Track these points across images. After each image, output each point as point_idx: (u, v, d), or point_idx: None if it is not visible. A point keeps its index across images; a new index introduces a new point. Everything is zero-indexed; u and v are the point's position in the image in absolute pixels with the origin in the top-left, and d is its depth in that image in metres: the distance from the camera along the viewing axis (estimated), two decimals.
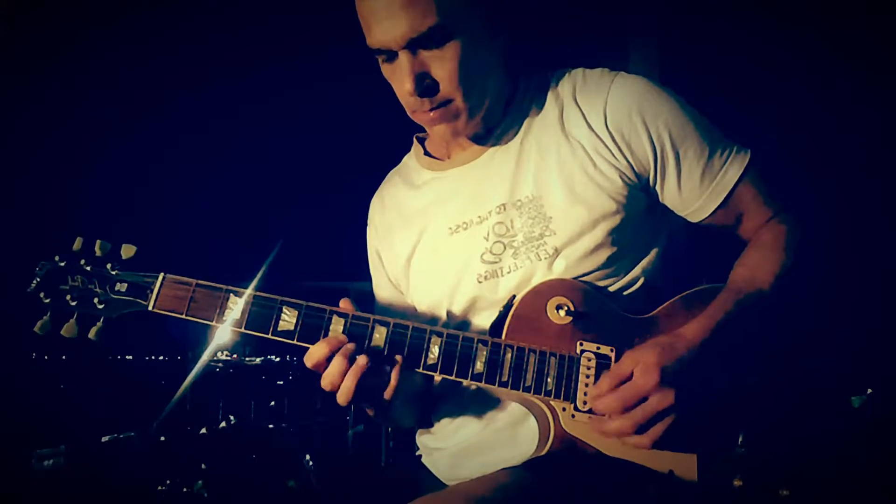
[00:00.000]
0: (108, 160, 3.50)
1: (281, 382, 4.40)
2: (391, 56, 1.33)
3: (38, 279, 1.34)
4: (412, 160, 1.65)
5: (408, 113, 1.43)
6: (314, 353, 1.27)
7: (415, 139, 1.66)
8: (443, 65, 1.32)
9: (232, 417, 3.92)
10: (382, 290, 1.68)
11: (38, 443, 3.15)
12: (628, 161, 1.38)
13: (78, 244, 1.35)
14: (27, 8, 2.90)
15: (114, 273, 1.34)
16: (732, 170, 1.39)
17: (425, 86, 1.33)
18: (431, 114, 1.38)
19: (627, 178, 1.39)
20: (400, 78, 1.34)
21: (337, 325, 1.31)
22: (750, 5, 2.72)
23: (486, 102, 1.42)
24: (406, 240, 1.57)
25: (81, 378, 3.63)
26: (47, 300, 1.33)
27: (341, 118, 4.02)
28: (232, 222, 4.30)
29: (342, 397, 1.27)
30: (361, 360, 1.26)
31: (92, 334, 1.33)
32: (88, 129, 3.35)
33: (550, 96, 1.47)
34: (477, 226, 1.46)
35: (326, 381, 1.27)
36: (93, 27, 3.04)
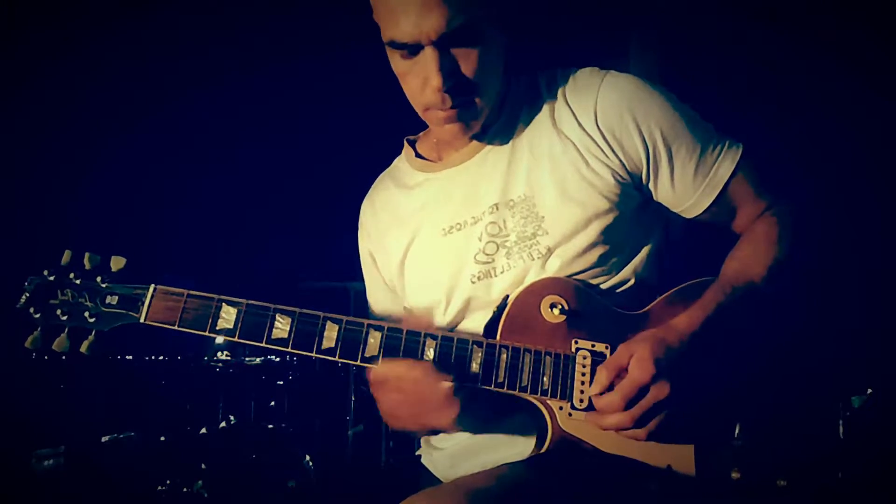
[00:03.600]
0: (97, 169, 3.50)
1: (281, 382, 4.40)
2: (414, 50, 1.31)
3: (28, 294, 1.33)
4: (403, 163, 1.64)
5: (418, 110, 1.41)
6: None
7: (405, 142, 1.64)
8: (469, 63, 1.31)
9: (232, 417, 3.92)
10: (377, 291, 1.68)
11: (38, 443, 3.14)
12: (620, 160, 1.38)
13: (66, 257, 1.35)
14: (27, 8, 2.90)
15: (104, 286, 1.33)
16: (725, 165, 1.38)
17: (452, 83, 1.31)
18: (449, 112, 1.36)
19: (620, 177, 1.38)
20: (423, 73, 1.32)
21: (331, 332, 1.30)
22: (749, 5, 2.72)
23: (492, 103, 1.42)
24: (399, 241, 1.56)
25: (81, 378, 3.62)
26: (37, 315, 1.32)
27: (340, 118, 4.02)
28: (230, 223, 4.30)
29: None
30: None
31: (84, 348, 1.33)
32: (75, 140, 3.35)
33: (541, 96, 1.46)
34: (471, 226, 1.45)
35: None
36: (82, 31, 3.04)
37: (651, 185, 1.42)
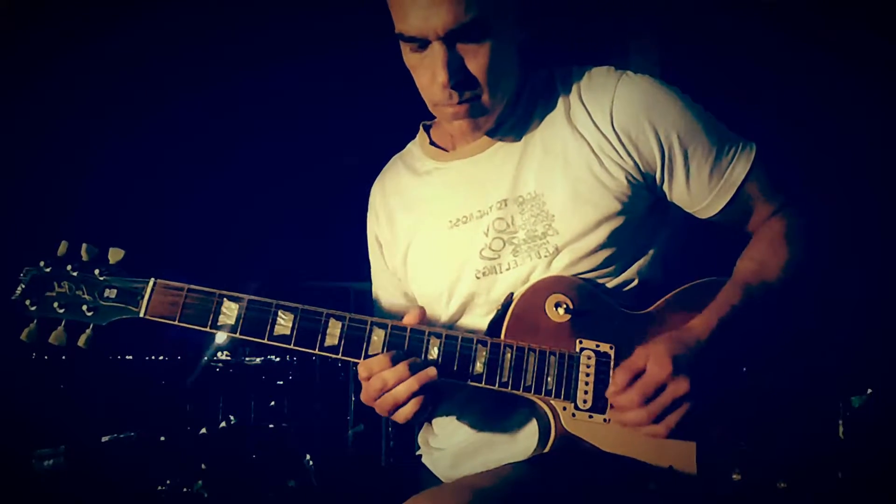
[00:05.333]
0: (97, 167, 3.49)
1: (281, 382, 4.40)
2: (423, 44, 1.30)
3: (24, 286, 1.30)
4: (416, 147, 1.63)
5: (428, 105, 1.41)
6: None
7: (421, 127, 1.64)
8: (477, 59, 1.31)
9: (232, 417, 3.93)
10: (380, 276, 1.67)
11: (38, 443, 3.14)
12: (635, 161, 1.38)
13: (63, 248, 1.32)
14: (27, 8, 2.90)
15: (102, 278, 1.30)
16: (739, 166, 1.39)
17: (459, 79, 1.31)
18: (457, 108, 1.35)
19: (633, 178, 1.38)
20: (431, 68, 1.31)
21: (334, 329, 1.29)
22: (749, 5, 2.72)
23: (505, 100, 1.41)
24: (405, 228, 1.56)
25: (81, 378, 3.63)
26: (33, 308, 1.29)
27: (341, 118, 4.02)
28: (230, 223, 4.30)
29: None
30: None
31: (81, 342, 1.30)
32: (75, 133, 3.34)
33: (556, 93, 1.46)
34: (477, 220, 1.45)
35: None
36: (83, 30, 3.03)
37: (665, 187, 1.42)
